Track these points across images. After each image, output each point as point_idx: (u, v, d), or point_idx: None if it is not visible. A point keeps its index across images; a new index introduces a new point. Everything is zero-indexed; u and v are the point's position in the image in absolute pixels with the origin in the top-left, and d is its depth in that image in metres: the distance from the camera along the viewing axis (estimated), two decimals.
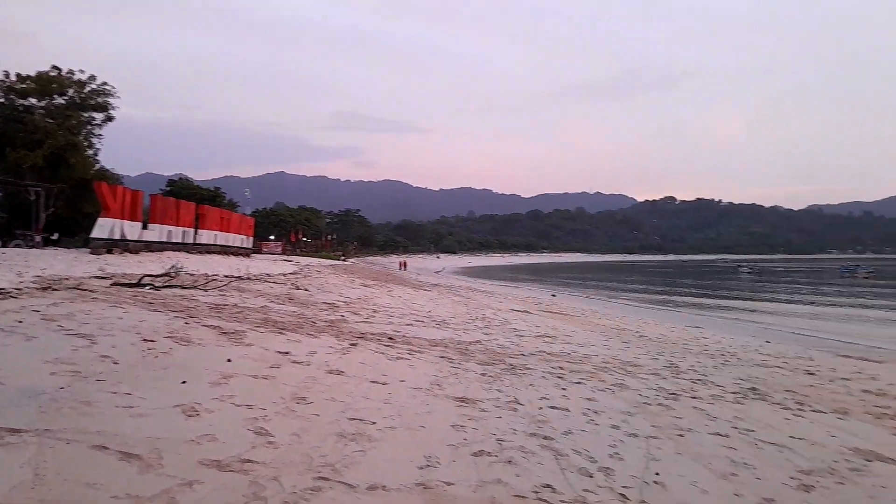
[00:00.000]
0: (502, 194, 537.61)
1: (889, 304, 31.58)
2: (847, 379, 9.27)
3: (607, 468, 3.94)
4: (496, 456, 3.94)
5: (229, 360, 5.53)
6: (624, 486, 3.66)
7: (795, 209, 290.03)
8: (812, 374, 9.65)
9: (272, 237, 66.65)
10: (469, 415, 4.88)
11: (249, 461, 3.29)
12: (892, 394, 8.06)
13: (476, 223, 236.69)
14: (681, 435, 4.95)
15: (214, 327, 7.24)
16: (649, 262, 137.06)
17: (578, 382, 6.81)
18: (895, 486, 4.00)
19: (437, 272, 61.17)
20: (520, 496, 3.37)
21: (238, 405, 4.24)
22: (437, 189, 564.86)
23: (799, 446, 4.88)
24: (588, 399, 5.96)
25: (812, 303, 33.16)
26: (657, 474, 3.91)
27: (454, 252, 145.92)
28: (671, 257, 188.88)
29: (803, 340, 16.29)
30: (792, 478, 4.07)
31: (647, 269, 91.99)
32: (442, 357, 7.52)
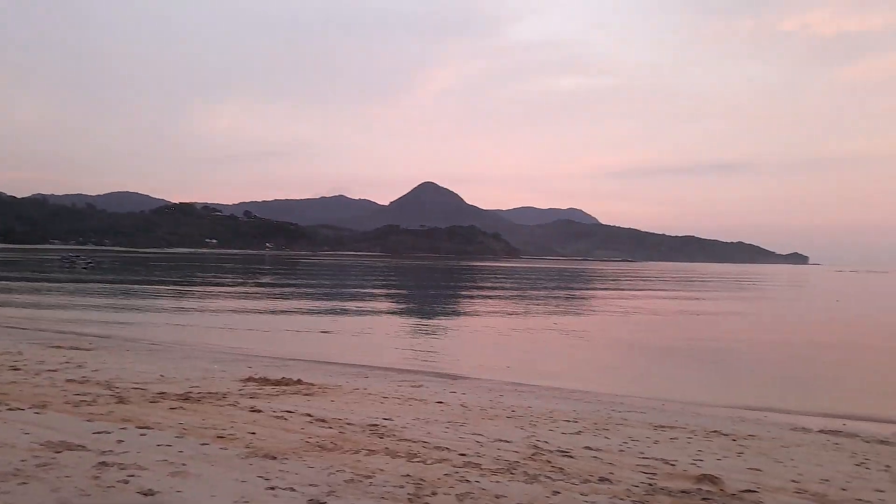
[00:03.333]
0: None
1: (104, 296, 33.66)
2: (54, 370, 9.31)
3: None
4: None
5: None
6: None
7: (19, 197, 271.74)
8: (18, 369, 9.30)
9: None
10: None
11: None
12: (94, 380, 8.55)
13: None
14: None
15: None
16: None
17: None
18: (79, 474, 4.13)
19: None
20: None
21: None
22: None
23: None
24: None
25: (30, 293, 31.98)
26: None
27: None
28: None
29: (16, 334, 15.50)
30: None
31: None
32: None
